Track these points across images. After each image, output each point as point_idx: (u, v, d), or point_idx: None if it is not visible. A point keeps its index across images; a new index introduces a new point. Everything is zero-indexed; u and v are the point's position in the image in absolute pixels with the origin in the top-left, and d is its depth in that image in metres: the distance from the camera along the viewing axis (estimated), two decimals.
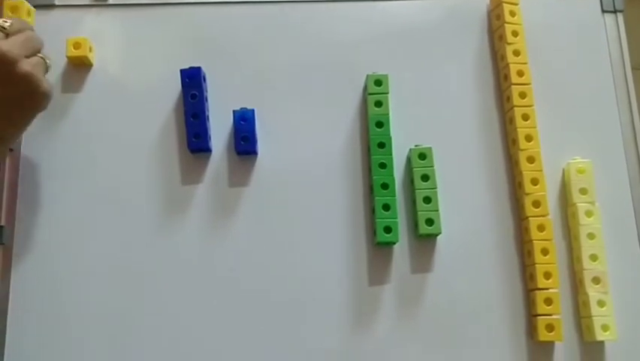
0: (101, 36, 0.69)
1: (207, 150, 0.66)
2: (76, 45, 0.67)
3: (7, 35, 0.56)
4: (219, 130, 0.67)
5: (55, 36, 0.68)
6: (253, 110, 0.66)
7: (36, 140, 0.66)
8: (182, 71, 0.66)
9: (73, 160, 0.66)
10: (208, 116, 0.66)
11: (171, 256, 0.64)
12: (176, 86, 0.67)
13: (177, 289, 0.63)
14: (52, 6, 0.70)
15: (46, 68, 0.59)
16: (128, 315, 0.62)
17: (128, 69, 0.69)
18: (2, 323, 0.62)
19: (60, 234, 0.64)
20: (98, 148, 0.66)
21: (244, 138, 0.65)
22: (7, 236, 0.63)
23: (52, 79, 0.68)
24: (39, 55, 0.58)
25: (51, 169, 0.66)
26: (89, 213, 0.65)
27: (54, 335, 0.62)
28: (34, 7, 0.69)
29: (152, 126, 0.67)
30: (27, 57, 0.56)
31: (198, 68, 0.66)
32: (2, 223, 0.64)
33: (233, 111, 0.66)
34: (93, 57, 0.69)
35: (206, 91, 0.67)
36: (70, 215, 0.65)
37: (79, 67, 0.68)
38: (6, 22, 0.57)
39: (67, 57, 0.67)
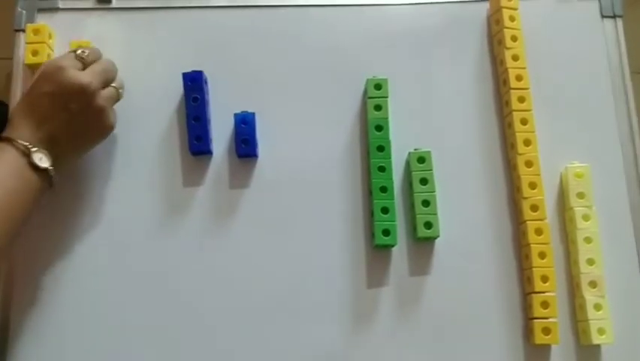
0: (104, 39, 0.70)
1: (208, 152, 0.67)
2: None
3: (85, 65, 0.61)
4: (220, 133, 0.68)
5: (59, 39, 0.70)
6: (254, 114, 0.66)
7: None
8: (184, 74, 0.66)
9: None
10: (209, 119, 0.67)
11: (171, 257, 0.65)
12: (178, 89, 0.68)
13: (177, 290, 0.64)
14: (55, 9, 0.71)
15: (118, 98, 0.64)
16: (128, 316, 0.63)
17: (130, 72, 0.69)
18: (5, 322, 0.62)
19: (61, 235, 0.64)
20: (101, 150, 0.66)
21: (245, 140, 0.66)
22: None
23: None
24: (112, 85, 0.63)
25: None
26: (91, 214, 0.65)
27: (55, 335, 0.62)
28: (39, 10, 0.70)
29: (154, 129, 0.68)
30: (102, 88, 0.61)
31: (200, 72, 0.66)
32: None
33: (234, 114, 0.66)
34: None
35: (208, 94, 0.68)
36: (72, 216, 0.65)
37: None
38: (84, 52, 0.61)
39: None
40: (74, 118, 0.59)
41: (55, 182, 0.59)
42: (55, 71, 0.58)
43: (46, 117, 0.58)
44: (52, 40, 0.69)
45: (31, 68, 0.68)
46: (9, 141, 0.57)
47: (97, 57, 0.63)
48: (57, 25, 0.70)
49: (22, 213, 0.57)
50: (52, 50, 0.69)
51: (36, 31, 0.68)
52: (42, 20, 0.70)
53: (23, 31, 0.70)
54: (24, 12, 0.71)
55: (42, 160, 0.57)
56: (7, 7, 0.73)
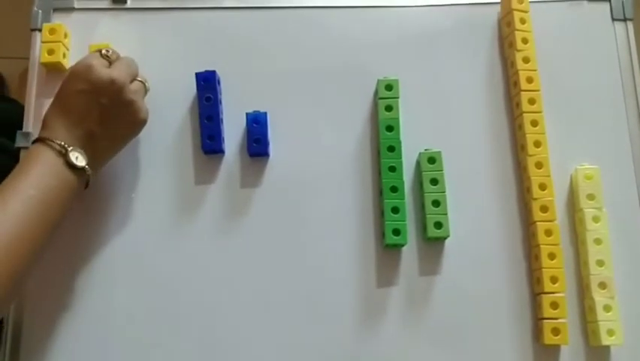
0: (119, 39, 0.71)
1: (221, 151, 0.68)
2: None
3: (110, 63, 0.62)
4: (232, 132, 0.68)
5: (74, 38, 0.71)
6: (266, 113, 0.67)
7: None
8: (197, 74, 0.67)
9: None
10: (222, 119, 0.68)
11: (183, 254, 0.65)
12: (191, 88, 0.68)
13: (189, 287, 0.64)
14: (71, 9, 0.72)
15: (146, 91, 0.65)
16: (140, 314, 0.64)
17: (144, 71, 0.70)
18: (19, 320, 0.63)
19: (74, 232, 0.65)
20: None
21: (256, 140, 0.66)
22: None
23: None
24: (138, 79, 0.64)
25: None
26: (104, 211, 0.66)
27: (68, 332, 0.63)
28: (55, 10, 0.71)
29: (168, 127, 0.69)
30: (130, 82, 0.62)
31: (213, 72, 0.67)
32: None
33: (247, 114, 0.67)
34: None
35: (221, 94, 0.69)
36: (85, 213, 0.66)
37: None
38: (108, 50, 0.62)
39: None
40: (107, 113, 0.60)
41: (91, 182, 0.60)
42: (85, 70, 0.60)
43: (80, 116, 0.59)
44: (68, 39, 0.70)
45: (47, 66, 0.69)
46: (44, 141, 0.58)
47: (119, 55, 0.64)
48: (72, 24, 0.71)
49: (59, 214, 0.58)
50: (68, 50, 0.70)
51: (52, 31, 0.69)
52: (58, 20, 0.71)
53: (39, 30, 0.70)
54: (40, 12, 0.71)
55: (78, 159, 0.58)
56: (18, 8, 0.74)
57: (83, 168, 0.59)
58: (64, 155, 0.58)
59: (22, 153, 0.67)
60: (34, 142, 0.59)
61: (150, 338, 0.63)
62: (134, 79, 0.63)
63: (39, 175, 0.56)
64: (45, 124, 0.60)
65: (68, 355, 0.63)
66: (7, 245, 0.52)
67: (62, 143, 0.58)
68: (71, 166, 0.58)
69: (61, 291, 0.64)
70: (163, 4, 0.72)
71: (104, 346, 0.63)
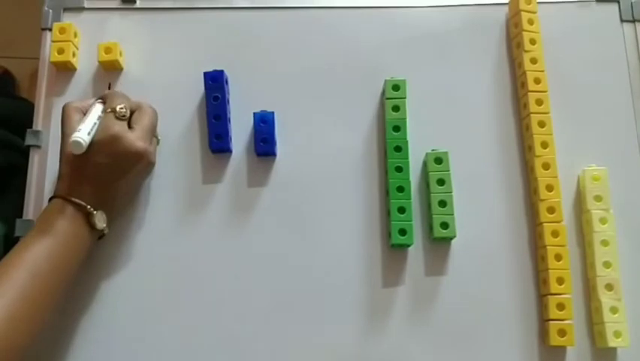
0: (128, 38, 0.71)
1: (228, 150, 0.68)
2: (107, 50, 0.69)
3: (127, 120, 0.62)
4: (240, 131, 0.69)
5: (84, 38, 0.71)
6: (273, 113, 0.67)
7: None
8: (205, 73, 0.67)
9: None
10: (229, 118, 0.68)
11: (190, 252, 0.65)
12: (199, 88, 0.69)
13: (195, 285, 0.65)
14: (81, 9, 0.73)
15: (157, 144, 0.67)
16: (147, 311, 0.64)
17: (152, 71, 0.71)
18: None
19: None
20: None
21: (264, 139, 0.67)
22: None
23: (83, 81, 0.71)
24: (155, 135, 0.65)
25: None
26: None
27: (75, 326, 0.63)
28: (65, 9, 0.72)
29: (176, 126, 0.69)
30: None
31: (221, 71, 0.67)
32: (30, 217, 0.66)
33: (254, 113, 0.67)
34: (123, 61, 0.71)
35: (229, 93, 0.69)
36: None
37: (109, 70, 0.71)
38: (122, 108, 0.61)
39: (99, 62, 0.69)
40: (132, 180, 0.63)
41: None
42: (110, 142, 0.59)
43: (106, 184, 0.60)
44: (78, 39, 0.71)
45: (57, 65, 0.70)
46: (67, 200, 0.59)
47: (133, 106, 0.63)
48: (82, 24, 0.72)
49: (75, 270, 0.59)
50: (78, 49, 0.71)
51: (62, 30, 0.69)
52: (68, 19, 0.72)
53: (50, 29, 0.71)
54: (51, 11, 0.72)
55: (100, 221, 0.60)
56: (29, 9, 0.75)
57: (102, 229, 0.61)
58: (87, 215, 0.59)
59: (32, 151, 0.68)
60: (54, 197, 0.59)
61: (157, 336, 0.63)
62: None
63: (62, 234, 0.57)
64: (66, 182, 0.60)
65: (73, 353, 0.63)
66: (10, 320, 0.53)
67: (85, 205, 0.59)
68: (92, 227, 0.59)
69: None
70: (172, 3, 0.73)
71: (111, 344, 0.63)
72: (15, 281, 0.54)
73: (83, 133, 0.58)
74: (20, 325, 0.53)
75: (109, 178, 0.60)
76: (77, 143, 0.57)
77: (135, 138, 0.60)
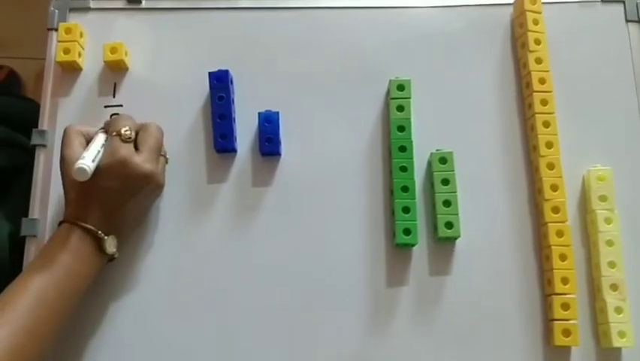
0: (134, 38, 0.72)
1: (233, 150, 0.68)
2: (113, 50, 0.69)
3: (134, 142, 0.61)
4: (245, 131, 0.69)
5: (90, 38, 0.71)
6: (278, 113, 0.67)
7: None
8: (210, 73, 0.68)
9: None
10: (234, 118, 0.68)
11: (195, 252, 0.66)
12: (204, 88, 0.69)
13: (200, 285, 0.65)
14: (87, 9, 0.73)
15: (166, 163, 0.66)
16: (150, 311, 0.64)
17: (158, 71, 0.71)
18: None
19: None
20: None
21: (268, 139, 0.67)
22: (40, 229, 0.66)
23: (89, 81, 0.71)
24: (162, 154, 0.64)
25: None
26: None
27: (81, 326, 0.64)
28: (71, 9, 0.72)
29: (181, 126, 0.69)
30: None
31: (226, 71, 0.68)
32: (36, 216, 0.66)
33: (259, 113, 0.67)
34: (129, 61, 0.71)
35: (233, 93, 0.69)
36: None
37: (115, 70, 0.71)
38: (127, 130, 0.61)
39: (105, 62, 0.70)
40: (141, 203, 0.63)
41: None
42: (118, 166, 0.59)
43: (115, 208, 0.60)
44: (84, 39, 0.71)
45: (62, 65, 0.70)
46: (77, 225, 0.58)
47: (138, 127, 0.63)
48: (88, 24, 0.72)
49: (83, 294, 0.59)
50: (83, 49, 0.71)
51: (68, 30, 0.70)
52: (74, 20, 0.72)
53: (56, 30, 0.71)
54: (57, 11, 0.72)
55: (111, 246, 0.60)
56: (35, 9, 0.75)
57: (113, 254, 0.60)
58: (97, 240, 0.59)
59: (38, 150, 0.68)
60: (63, 222, 0.59)
61: (161, 335, 0.64)
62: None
63: (69, 259, 0.57)
64: (74, 207, 0.59)
65: (77, 351, 0.63)
66: (13, 351, 0.52)
67: (96, 230, 0.58)
68: (102, 252, 0.59)
69: None
70: (177, 4, 0.73)
71: (115, 344, 0.63)
72: (20, 311, 0.53)
73: (88, 160, 0.57)
74: (24, 355, 0.53)
75: (118, 202, 0.60)
76: (82, 170, 0.56)
77: (142, 161, 0.60)
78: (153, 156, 0.61)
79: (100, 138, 0.61)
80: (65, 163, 0.60)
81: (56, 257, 0.56)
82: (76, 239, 0.58)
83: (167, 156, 0.66)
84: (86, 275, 0.58)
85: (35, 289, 0.55)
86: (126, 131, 0.60)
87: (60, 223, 0.59)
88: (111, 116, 0.69)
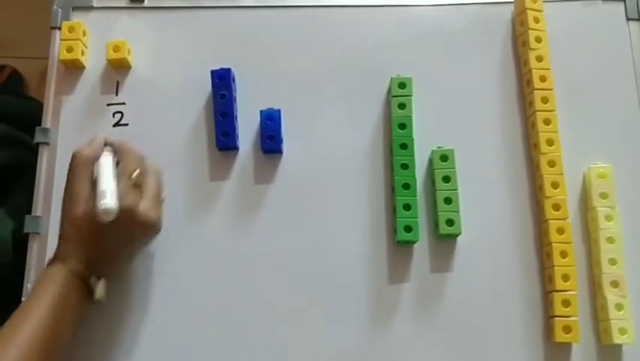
0: (136, 37, 0.72)
1: (235, 148, 0.68)
2: (116, 48, 0.70)
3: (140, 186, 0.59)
4: (247, 129, 0.69)
5: (93, 36, 0.72)
6: (279, 111, 0.68)
7: (72, 134, 0.69)
8: (212, 71, 0.68)
9: None
10: (236, 116, 0.69)
11: (197, 249, 0.66)
12: (206, 86, 0.69)
13: (202, 283, 0.65)
14: (90, 7, 0.73)
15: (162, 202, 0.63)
16: (153, 308, 0.64)
17: (160, 69, 0.71)
18: None
19: None
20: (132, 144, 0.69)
21: (270, 137, 0.67)
22: (43, 226, 0.66)
23: (91, 79, 0.71)
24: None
25: None
26: None
27: (85, 322, 0.64)
28: (74, 8, 0.73)
29: (183, 124, 0.70)
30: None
31: (228, 70, 0.68)
32: (39, 214, 0.67)
33: (261, 111, 0.68)
34: (131, 59, 0.71)
35: (235, 91, 0.69)
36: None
37: (118, 68, 0.71)
38: (138, 175, 0.59)
39: (108, 60, 0.70)
40: (138, 247, 0.62)
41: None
42: (125, 214, 0.57)
43: (112, 253, 0.59)
44: (87, 37, 0.72)
45: (66, 63, 0.70)
46: (71, 269, 0.57)
47: (143, 168, 0.61)
48: (91, 23, 0.72)
49: (71, 335, 0.58)
50: (86, 47, 0.71)
51: (71, 29, 0.70)
52: (77, 18, 0.72)
53: (59, 28, 0.72)
54: (60, 10, 0.73)
55: (101, 289, 0.59)
56: (38, 9, 0.75)
57: (100, 298, 0.59)
58: (89, 285, 0.58)
59: (41, 148, 0.69)
60: (53, 261, 0.58)
61: (163, 333, 0.64)
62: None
63: (59, 301, 0.55)
64: (70, 247, 0.57)
65: (81, 347, 0.63)
66: None
67: (92, 276, 0.58)
68: (90, 292, 0.58)
69: None
70: (180, 2, 0.74)
71: (117, 340, 0.64)
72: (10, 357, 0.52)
73: (111, 199, 0.55)
74: None
75: (116, 247, 0.59)
76: (108, 211, 0.54)
77: (147, 209, 0.58)
78: (156, 203, 0.60)
79: (108, 163, 0.59)
80: (72, 200, 0.57)
81: (46, 304, 0.55)
82: (68, 284, 0.56)
83: (164, 197, 0.63)
84: (75, 320, 0.58)
85: (26, 337, 0.53)
86: (138, 176, 0.59)
87: (52, 260, 0.58)
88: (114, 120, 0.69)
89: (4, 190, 0.78)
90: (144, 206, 0.58)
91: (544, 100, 0.68)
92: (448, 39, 0.72)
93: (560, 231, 0.64)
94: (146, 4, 0.74)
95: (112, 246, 0.59)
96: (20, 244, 0.67)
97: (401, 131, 0.67)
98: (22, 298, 0.64)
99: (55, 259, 0.58)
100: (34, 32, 1.02)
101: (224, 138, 0.67)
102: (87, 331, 0.63)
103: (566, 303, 0.62)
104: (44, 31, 0.73)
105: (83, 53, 0.71)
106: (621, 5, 0.74)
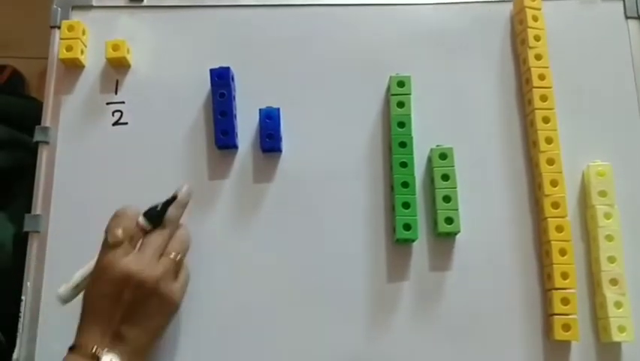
0: (135, 36, 0.72)
1: (234, 146, 0.69)
2: (115, 47, 0.70)
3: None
4: (246, 127, 0.69)
5: (92, 35, 0.72)
6: (278, 109, 0.68)
7: (72, 133, 0.69)
8: (211, 70, 0.68)
9: (107, 153, 0.69)
10: (235, 114, 0.69)
11: (195, 248, 0.65)
12: (205, 84, 0.69)
13: (200, 280, 0.65)
14: (89, 7, 0.73)
15: (179, 266, 0.60)
16: None
17: (159, 68, 0.72)
18: (36, 309, 0.64)
19: (92, 224, 0.65)
20: (131, 143, 0.69)
21: (269, 135, 0.67)
22: (43, 224, 0.66)
23: (91, 78, 0.71)
24: (170, 255, 0.58)
25: (85, 162, 0.69)
26: (120, 204, 0.67)
27: None
28: (73, 7, 0.73)
29: (182, 123, 0.70)
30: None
31: (227, 68, 0.68)
32: (38, 212, 0.67)
33: (260, 110, 0.68)
34: (131, 58, 0.71)
35: (234, 90, 0.69)
36: (102, 206, 0.66)
37: (117, 67, 0.71)
38: (179, 256, 0.58)
39: (107, 59, 0.70)
40: (133, 310, 0.56)
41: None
42: (103, 269, 0.56)
43: (106, 319, 0.56)
44: (86, 36, 0.72)
45: (65, 62, 0.71)
46: (75, 349, 0.55)
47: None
48: (90, 22, 0.72)
49: None
50: (86, 46, 0.71)
51: (70, 28, 0.70)
52: (76, 17, 0.73)
53: (58, 27, 0.72)
54: (59, 9, 0.73)
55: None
56: (37, 9, 0.75)
57: None
58: (97, 359, 0.54)
59: (40, 147, 0.69)
60: (69, 351, 0.55)
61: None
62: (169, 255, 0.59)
63: None
64: (78, 331, 0.56)
65: None
66: None
67: (94, 347, 0.54)
68: None
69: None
70: (179, 2, 0.74)
71: None
72: None
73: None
74: None
75: (107, 311, 0.56)
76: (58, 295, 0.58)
77: (127, 260, 0.56)
78: (144, 254, 0.57)
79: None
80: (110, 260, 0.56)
81: None
82: None
83: (180, 256, 0.60)
84: None
85: None
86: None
87: (74, 348, 0.55)
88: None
89: (5, 194, 0.78)
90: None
91: (543, 98, 0.68)
92: (447, 38, 0.73)
93: (559, 229, 0.64)
94: (145, 3, 0.74)
95: (109, 317, 0.56)
96: (21, 247, 0.67)
97: (400, 129, 0.67)
98: (22, 298, 0.64)
99: (76, 347, 0.56)
100: (35, 32, 1.02)
101: (223, 136, 0.68)
102: None
103: (565, 301, 0.62)
104: (44, 31, 0.73)
105: (82, 52, 0.71)
106: (620, 3, 0.74)
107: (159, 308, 0.57)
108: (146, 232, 0.59)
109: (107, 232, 0.58)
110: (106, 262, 0.56)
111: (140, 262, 0.56)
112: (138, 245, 0.58)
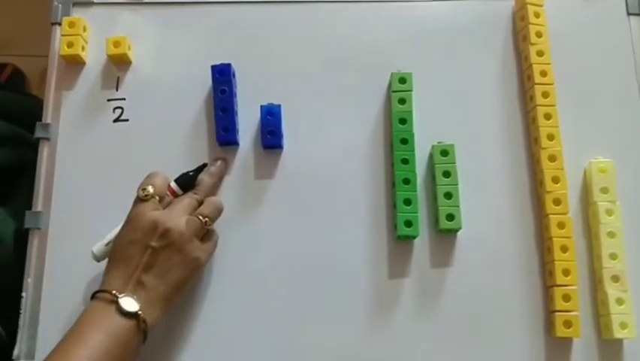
0: (137, 33, 0.72)
1: (235, 143, 0.68)
2: (116, 44, 0.70)
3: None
4: (247, 124, 0.69)
5: (93, 32, 0.72)
6: (280, 106, 0.68)
7: (73, 130, 0.69)
8: (212, 67, 0.68)
9: (108, 150, 0.69)
10: (237, 111, 0.69)
11: None
12: (207, 81, 0.69)
13: (201, 277, 0.65)
14: (90, 3, 0.73)
15: (204, 228, 0.61)
16: None
17: (161, 65, 0.72)
18: (36, 305, 0.64)
19: (93, 220, 0.66)
20: (132, 139, 0.69)
21: (271, 132, 0.67)
22: (44, 221, 0.66)
23: (92, 74, 0.71)
24: (198, 216, 0.61)
25: (86, 158, 0.69)
26: (121, 201, 0.66)
27: None
28: (74, 4, 0.73)
29: (184, 119, 0.70)
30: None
31: (228, 65, 0.68)
32: (39, 209, 0.67)
33: (261, 106, 0.68)
34: (132, 55, 0.71)
35: (236, 87, 0.69)
36: (103, 203, 0.67)
37: (118, 64, 0.71)
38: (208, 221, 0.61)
39: (108, 55, 0.70)
40: (156, 259, 0.57)
41: (148, 335, 0.56)
42: (134, 218, 0.59)
43: (130, 265, 0.57)
44: (87, 33, 0.72)
45: (66, 59, 0.70)
46: (97, 294, 0.56)
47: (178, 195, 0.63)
48: (91, 18, 0.72)
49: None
50: (87, 43, 0.71)
51: (71, 24, 0.70)
52: (77, 14, 0.73)
53: (59, 24, 0.72)
54: (60, 6, 0.73)
55: (130, 304, 0.55)
56: (38, 6, 0.75)
57: (135, 314, 0.54)
58: (115, 302, 0.55)
59: (41, 144, 0.69)
60: (93, 297, 0.57)
61: (160, 331, 0.63)
62: (194, 215, 0.61)
63: (87, 330, 0.54)
64: (104, 277, 0.58)
65: None
66: None
67: (114, 291, 0.55)
68: (124, 313, 0.54)
69: (79, 279, 0.65)
70: None
71: None
72: None
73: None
74: None
75: (133, 257, 0.57)
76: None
77: (155, 212, 0.59)
78: (172, 209, 0.60)
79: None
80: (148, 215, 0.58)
81: (80, 331, 0.54)
82: (95, 307, 0.55)
83: (209, 222, 0.62)
84: (112, 344, 0.54)
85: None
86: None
87: (100, 292, 0.56)
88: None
89: (7, 190, 0.78)
90: (155, 212, 0.59)
91: (545, 95, 0.68)
92: (449, 34, 0.72)
93: (561, 225, 0.64)
94: None
95: (134, 263, 0.57)
96: (22, 244, 0.67)
97: (401, 126, 0.67)
98: (23, 294, 0.64)
99: (104, 291, 0.56)
100: (36, 30, 1.02)
101: (224, 133, 0.67)
102: None
103: (567, 298, 0.62)
104: (45, 29, 0.73)
105: (83, 48, 0.71)
106: (622, 0, 0.73)
107: (181, 262, 0.59)
108: (176, 196, 0.62)
109: (138, 189, 0.61)
110: (135, 213, 0.59)
111: (167, 214, 0.59)
112: (168, 205, 0.61)
